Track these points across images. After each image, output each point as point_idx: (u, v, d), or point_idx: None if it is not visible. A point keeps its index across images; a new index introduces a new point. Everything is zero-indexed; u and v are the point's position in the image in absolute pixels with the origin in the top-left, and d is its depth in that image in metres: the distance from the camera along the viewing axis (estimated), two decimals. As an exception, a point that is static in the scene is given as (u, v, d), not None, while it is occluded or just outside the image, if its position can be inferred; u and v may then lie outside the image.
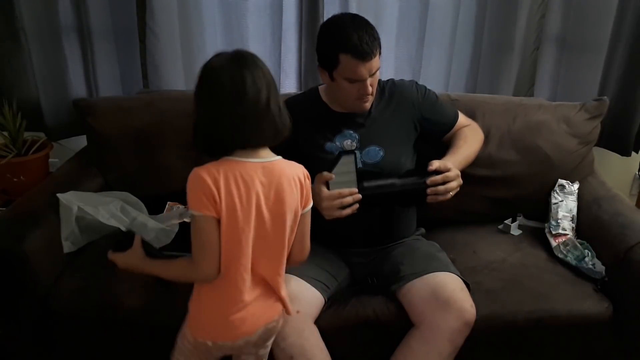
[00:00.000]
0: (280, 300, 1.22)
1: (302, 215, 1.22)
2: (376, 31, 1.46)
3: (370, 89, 1.48)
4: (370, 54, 1.42)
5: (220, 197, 1.08)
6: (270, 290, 1.20)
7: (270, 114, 1.12)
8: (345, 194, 1.40)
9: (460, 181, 1.49)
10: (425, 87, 1.70)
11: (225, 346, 1.20)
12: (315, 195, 1.36)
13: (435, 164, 1.46)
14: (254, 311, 1.17)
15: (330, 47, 1.45)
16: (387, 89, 1.66)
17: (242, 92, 1.08)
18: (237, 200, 1.10)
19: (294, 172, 1.19)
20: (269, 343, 1.29)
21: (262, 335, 1.21)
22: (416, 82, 1.71)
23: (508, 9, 2.02)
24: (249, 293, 1.15)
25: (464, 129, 1.72)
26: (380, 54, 1.47)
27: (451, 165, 1.48)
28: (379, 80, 1.68)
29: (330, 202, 1.40)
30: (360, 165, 1.57)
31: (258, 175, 1.13)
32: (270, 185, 1.14)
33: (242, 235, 1.12)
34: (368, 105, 1.56)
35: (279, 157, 1.19)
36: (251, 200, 1.12)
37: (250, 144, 1.14)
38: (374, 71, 1.46)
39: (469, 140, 1.67)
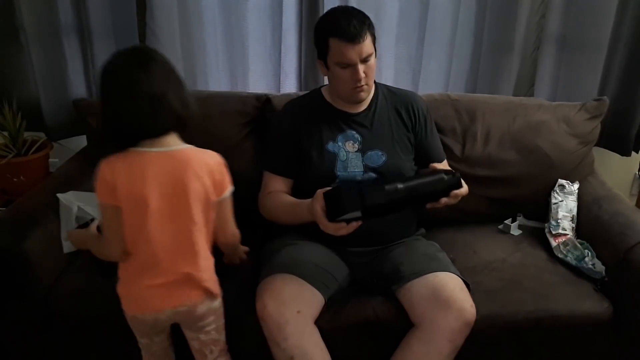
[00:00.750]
0: (201, 286, 1.25)
1: (218, 202, 1.26)
2: (368, 18, 1.48)
3: (362, 74, 1.48)
4: (358, 36, 1.44)
5: (118, 186, 1.16)
6: (185, 275, 1.23)
7: (167, 104, 1.17)
8: (351, 227, 1.33)
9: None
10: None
11: (136, 319, 1.28)
12: (317, 220, 1.35)
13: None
14: (162, 292, 1.23)
15: (321, 34, 1.50)
16: (396, 96, 1.67)
17: (134, 88, 1.14)
18: (137, 189, 1.17)
19: (202, 161, 1.23)
20: (209, 329, 1.32)
21: (172, 317, 1.27)
22: (427, 106, 1.72)
23: (508, 9, 2.02)
24: (158, 276, 1.21)
25: None
26: (374, 41, 1.49)
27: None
28: (387, 86, 1.68)
29: (334, 230, 1.35)
30: (361, 169, 1.57)
31: (161, 165, 1.19)
32: (173, 175, 1.19)
33: (143, 222, 1.19)
34: (364, 94, 1.56)
35: (188, 146, 1.24)
36: (153, 189, 1.18)
37: (150, 135, 1.19)
38: (364, 56, 1.47)
39: None
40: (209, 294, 1.28)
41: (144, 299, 1.24)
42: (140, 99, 1.15)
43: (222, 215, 1.29)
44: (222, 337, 1.37)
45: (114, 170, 1.18)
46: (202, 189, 1.22)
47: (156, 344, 1.36)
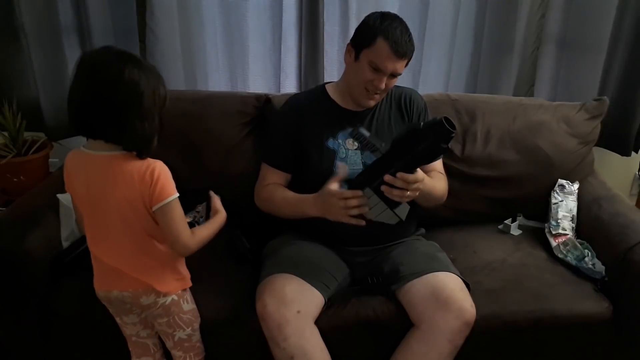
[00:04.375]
0: (140, 280, 1.27)
1: (156, 212, 1.22)
2: (414, 44, 1.50)
3: (383, 86, 1.49)
4: (404, 53, 1.46)
5: (69, 179, 1.27)
6: (128, 268, 1.27)
7: (114, 111, 1.14)
8: (347, 195, 1.33)
9: (414, 192, 1.33)
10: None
11: (98, 294, 1.34)
12: (324, 192, 1.37)
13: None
14: (108, 275, 1.30)
15: (374, 28, 1.48)
16: (396, 93, 1.67)
17: (82, 79, 1.15)
18: (77, 185, 1.26)
19: (126, 170, 1.20)
20: (161, 321, 1.34)
21: (121, 298, 1.31)
22: (425, 103, 1.71)
23: (508, 9, 2.02)
24: (103, 262, 1.29)
25: (440, 174, 1.67)
26: (407, 64, 1.51)
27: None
28: None
29: (334, 200, 1.34)
30: (360, 166, 1.57)
31: (92, 166, 1.22)
32: (98, 178, 1.22)
33: (83, 215, 1.29)
34: (372, 103, 1.57)
35: (122, 152, 1.20)
36: (84, 188, 1.24)
37: (83, 133, 1.20)
38: (397, 72, 1.49)
39: (437, 184, 1.59)
40: (153, 288, 1.29)
41: (98, 277, 1.33)
42: (89, 94, 1.14)
43: (165, 224, 1.23)
44: (180, 334, 1.37)
45: (68, 164, 1.27)
46: (125, 198, 1.21)
47: (128, 326, 1.39)
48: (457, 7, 2.08)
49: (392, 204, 1.32)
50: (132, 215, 1.23)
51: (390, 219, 1.33)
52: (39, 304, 1.51)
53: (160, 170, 1.21)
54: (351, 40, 1.54)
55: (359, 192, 1.31)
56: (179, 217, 1.24)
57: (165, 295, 1.31)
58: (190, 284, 1.37)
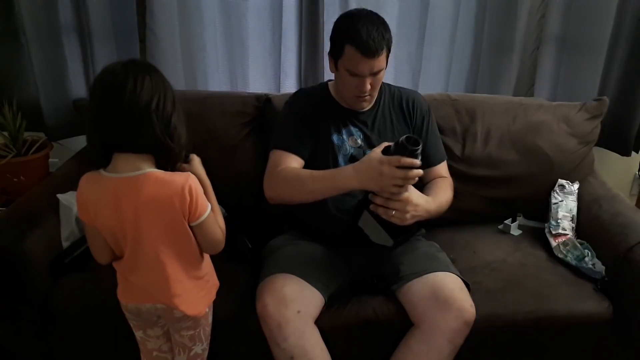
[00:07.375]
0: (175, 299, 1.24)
1: (194, 227, 1.20)
2: (389, 32, 1.46)
3: (368, 87, 1.48)
4: (374, 51, 1.41)
5: (89, 207, 1.19)
6: (166, 283, 1.23)
7: (147, 120, 1.11)
8: (407, 163, 1.24)
9: (412, 213, 1.35)
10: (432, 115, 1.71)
11: (125, 307, 1.31)
12: (372, 160, 1.29)
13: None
14: (142, 289, 1.25)
15: (339, 36, 1.46)
16: (398, 95, 1.67)
17: (115, 93, 1.10)
18: (104, 214, 1.18)
19: (160, 189, 1.15)
20: (184, 334, 1.31)
21: (153, 311, 1.28)
22: (429, 106, 1.71)
23: (508, 9, 2.02)
24: (138, 277, 1.24)
25: (445, 180, 1.66)
26: (387, 55, 1.47)
27: (420, 200, 1.38)
28: (391, 86, 1.68)
29: (386, 167, 1.26)
30: None
31: (118, 190, 1.16)
32: (128, 201, 1.16)
33: (116, 242, 1.22)
34: (365, 104, 1.57)
35: (154, 171, 1.16)
36: (114, 216, 1.17)
37: (120, 148, 1.14)
38: (375, 70, 1.45)
39: (443, 198, 1.57)
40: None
41: (128, 290, 1.28)
42: (121, 107, 1.09)
43: (203, 237, 1.23)
44: (197, 349, 1.33)
45: (84, 191, 1.19)
46: (163, 218, 1.17)
47: (151, 340, 1.35)
48: (457, 7, 2.08)
49: (386, 226, 1.38)
50: (173, 236, 1.19)
51: (385, 241, 1.41)
52: (39, 304, 1.51)
53: (196, 185, 1.18)
54: (329, 51, 1.52)
55: (417, 162, 1.26)
56: (214, 224, 1.24)
57: (197, 315, 1.29)
58: (214, 295, 1.34)
